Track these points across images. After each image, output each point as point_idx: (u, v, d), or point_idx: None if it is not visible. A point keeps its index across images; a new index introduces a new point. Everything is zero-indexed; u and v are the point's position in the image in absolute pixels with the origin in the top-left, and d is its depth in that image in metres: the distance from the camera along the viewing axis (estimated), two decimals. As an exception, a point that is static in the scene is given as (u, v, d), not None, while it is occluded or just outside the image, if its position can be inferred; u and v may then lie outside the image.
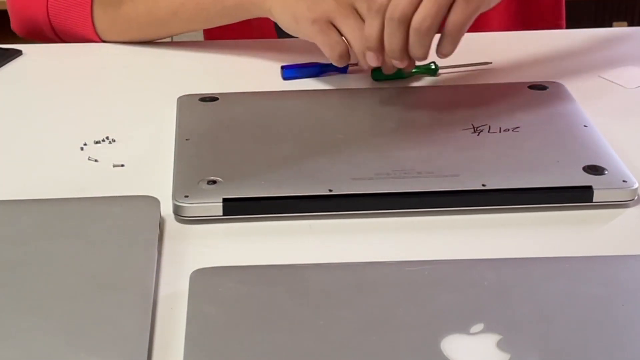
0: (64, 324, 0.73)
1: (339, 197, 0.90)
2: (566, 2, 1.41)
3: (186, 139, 0.99)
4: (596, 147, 0.97)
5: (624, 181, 0.92)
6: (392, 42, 1.02)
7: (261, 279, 0.78)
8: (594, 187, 0.91)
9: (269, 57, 1.23)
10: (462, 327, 0.72)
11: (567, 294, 0.76)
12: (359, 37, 1.06)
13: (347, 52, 1.09)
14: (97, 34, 1.26)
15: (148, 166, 1.00)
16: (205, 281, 0.78)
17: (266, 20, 1.17)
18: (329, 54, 1.09)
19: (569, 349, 0.71)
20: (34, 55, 1.25)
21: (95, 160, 1.00)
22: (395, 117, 1.05)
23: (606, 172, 0.93)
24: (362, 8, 1.07)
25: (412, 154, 0.96)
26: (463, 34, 1.02)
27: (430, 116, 1.05)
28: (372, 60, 1.05)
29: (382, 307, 0.75)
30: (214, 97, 1.08)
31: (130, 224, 0.86)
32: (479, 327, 0.72)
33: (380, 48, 1.03)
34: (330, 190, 0.90)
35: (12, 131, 1.08)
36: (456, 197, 0.91)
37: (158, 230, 0.86)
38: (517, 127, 1.01)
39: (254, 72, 1.19)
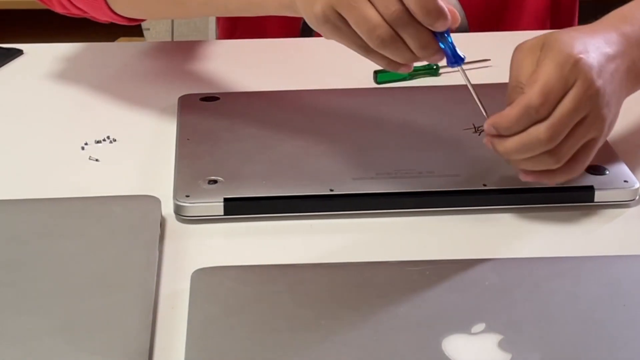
0: (65, 324, 0.73)
1: (340, 197, 0.90)
2: (580, 3, 1.42)
3: (187, 139, 0.99)
4: (597, 147, 0.97)
5: (625, 181, 0.92)
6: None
7: (262, 278, 0.78)
8: (595, 187, 0.91)
9: (270, 57, 1.23)
10: (464, 327, 0.72)
11: (568, 294, 0.76)
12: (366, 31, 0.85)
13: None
14: (106, 2, 1.12)
15: (149, 166, 1.00)
16: (206, 281, 0.78)
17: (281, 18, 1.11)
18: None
19: (570, 349, 0.71)
20: (34, 55, 1.25)
21: (96, 160, 1.00)
22: (395, 117, 1.04)
23: (607, 172, 0.93)
24: None
25: (413, 153, 0.96)
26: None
27: (431, 116, 1.04)
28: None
29: (383, 307, 0.75)
30: (215, 97, 1.08)
31: (131, 224, 0.86)
32: (480, 327, 0.72)
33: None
34: (331, 190, 0.90)
35: (12, 131, 1.08)
36: (457, 197, 0.91)
37: (159, 230, 0.86)
38: (518, 127, 1.01)
39: (255, 72, 1.19)
